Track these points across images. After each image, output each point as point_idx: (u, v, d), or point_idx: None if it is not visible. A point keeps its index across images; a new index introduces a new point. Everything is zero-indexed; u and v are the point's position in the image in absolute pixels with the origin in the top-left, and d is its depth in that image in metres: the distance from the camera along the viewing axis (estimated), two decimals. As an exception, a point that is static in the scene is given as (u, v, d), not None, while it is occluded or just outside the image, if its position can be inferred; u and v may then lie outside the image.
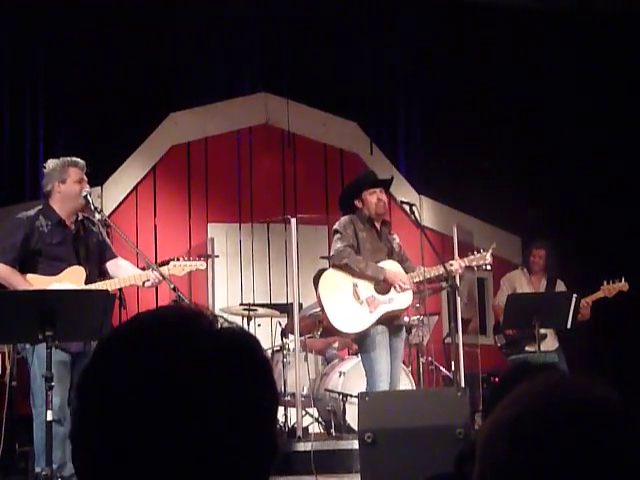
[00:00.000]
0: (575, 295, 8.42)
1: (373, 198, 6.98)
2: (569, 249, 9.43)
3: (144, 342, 1.14)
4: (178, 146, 10.53)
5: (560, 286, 8.94)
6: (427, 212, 10.56)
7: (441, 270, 6.91)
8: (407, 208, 7.04)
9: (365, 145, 11.12)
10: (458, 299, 8.57)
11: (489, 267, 7.28)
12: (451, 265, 7.01)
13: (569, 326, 8.27)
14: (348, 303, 6.90)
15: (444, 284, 7.69)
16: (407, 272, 6.96)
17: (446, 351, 7.35)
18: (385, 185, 7.24)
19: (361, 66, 11.02)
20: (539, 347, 8.11)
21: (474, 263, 7.13)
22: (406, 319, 7.55)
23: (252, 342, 1.18)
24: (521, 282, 9.07)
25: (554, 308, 8.24)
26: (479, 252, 7.24)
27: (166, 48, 10.08)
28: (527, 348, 8.57)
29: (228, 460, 1.10)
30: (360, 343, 6.94)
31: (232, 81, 10.82)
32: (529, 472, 1.11)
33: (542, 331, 8.44)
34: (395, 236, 7.23)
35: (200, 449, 1.08)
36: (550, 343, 8.79)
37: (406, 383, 7.89)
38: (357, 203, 7.06)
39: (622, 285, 8.54)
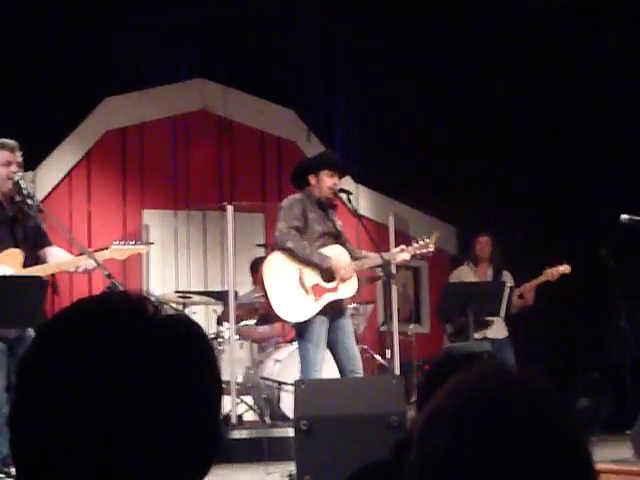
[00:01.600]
0: (508, 284, 8.55)
1: (329, 181, 6.83)
2: (507, 238, 9.51)
3: (88, 328, 1.12)
4: (113, 131, 10.41)
5: (506, 277, 9.00)
6: (363, 201, 10.60)
7: (379, 260, 6.88)
8: (344, 196, 6.96)
9: (302, 133, 11.11)
10: (394, 288, 8.63)
11: (431, 254, 7.27)
12: (402, 251, 6.99)
13: (502, 315, 8.40)
14: (293, 291, 6.78)
15: (380, 273, 7.71)
16: (352, 256, 6.92)
17: (381, 339, 7.37)
18: (345, 173, 7.17)
19: (299, 53, 11.00)
20: (472, 335, 8.21)
21: (418, 252, 7.10)
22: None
23: (196, 329, 1.18)
24: (468, 275, 9.14)
25: (488, 297, 8.37)
26: (417, 241, 7.21)
27: (102, 31, 9.96)
28: (476, 335, 8.59)
29: (173, 446, 1.10)
30: (298, 330, 6.86)
31: (169, 66, 10.71)
32: (473, 459, 1.13)
33: (489, 319, 8.57)
34: (338, 220, 7.15)
35: (145, 435, 1.08)
36: (498, 331, 8.87)
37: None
38: (311, 179, 6.88)
39: (564, 268, 8.66)
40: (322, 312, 6.74)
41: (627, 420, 6.91)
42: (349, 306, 7.71)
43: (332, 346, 6.80)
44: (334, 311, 6.80)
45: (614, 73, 11.54)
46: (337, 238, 6.93)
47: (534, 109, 11.26)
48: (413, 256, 7.18)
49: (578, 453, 1.18)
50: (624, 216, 7.62)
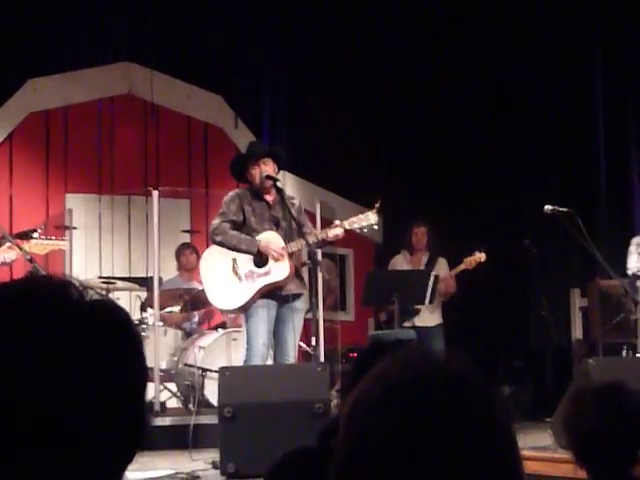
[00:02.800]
0: (434, 273, 8.62)
1: (256, 172, 6.86)
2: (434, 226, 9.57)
3: (9, 313, 1.09)
4: (36, 113, 10.23)
5: (441, 263, 9.07)
6: (290, 188, 10.56)
7: (312, 238, 6.82)
8: (270, 183, 6.94)
9: (230, 119, 11.05)
10: (320, 275, 8.62)
11: (376, 227, 7.03)
12: (335, 227, 6.86)
13: (427, 303, 8.46)
14: (227, 280, 6.81)
15: (306, 260, 7.68)
16: (301, 238, 6.83)
17: (306, 327, 7.36)
18: (268, 155, 7.06)
19: (228, 38, 10.91)
20: (398, 323, 8.27)
21: (356, 225, 6.93)
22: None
23: (122, 314, 1.16)
24: (401, 265, 9.19)
25: (412, 285, 8.42)
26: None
27: (27, 11, 9.77)
28: (405, 324, 8.68)
29: (97, 432, 1.08)
30: (245, 316, 6.88)
31: (95, 49, 10.55)
32: (400, 444, 1.14)
33: (417, 307, 8.62)
34: (295, 201, 7.09)
35: (70, 420, 1.06)
36: (428, 319, 8.92)
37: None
38: (247, 172, 6.95)
39: (480, 256, 8.74)
40: (267, 297, 6.75)
41: (547, 408, 7.03)
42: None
43: (273, 335, 6.84)
44: (280, 299, 6.82)
45: (536, 66, 11.69)
46: (277, 225, 6.91)
47: (460, 101, 11.33)
48: (337, 240, 7.00)
49: (502, 438, 1.18)
50: (547, 207, 7.73)
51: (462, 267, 8.79)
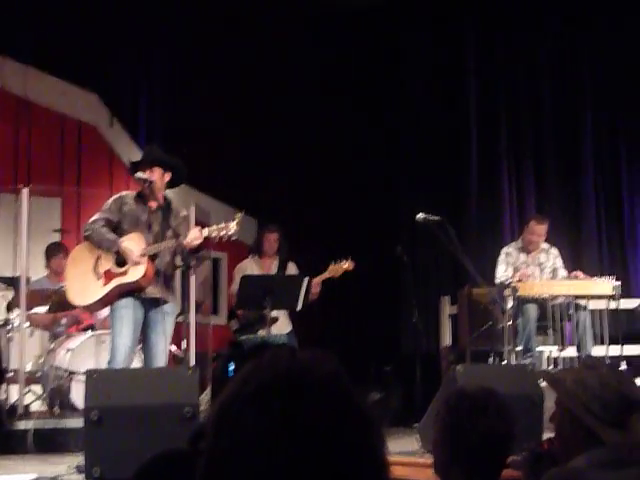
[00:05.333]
0: (307, 278, 8.60)
1: (143, 175, 6.90)
2: (301, 230, 9.58)
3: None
4: None
5: (291, 269, 9.05)
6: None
7: (172, 242, 6.77)
8: (158, 189, 6.92)
9: (104, 118, 10.83)
10: (192, 278, 8.51)
11: (235, 237, 6.98)
12: (199, 231, 6.81)
13: (299, 308, 8.44)
14: (85, 276, 6.78)
15: (179, 262, 7.58)
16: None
17: (178, 330, 7.25)
18: (154, 163, 6.99)
19: (105, 36, 10.69)
20: (269, 328, 8.22)
21: (215, 234, 6.90)
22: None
23: None
24: (252, 269, 9.11)
25: (285, 290, 8.37)
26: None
27: None
28: (260, 332, 8.63)
29: None
30: (110, 316, 6.85)
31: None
32: (279, 438, 1.18)
33: (274, 314, 8.56)
34: (183, 213, 7.14)
35: None
36: (282, 326, 8.89)
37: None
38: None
39: (347, 264, 8.73)
40: (132, 298, 6.72)
41: (416, 413, 7.10)
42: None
43: (143, 339, 6.83)
44: (148, 302, 6.77)
45: (411, 74, 11.84)
46: (149, 229, 6.85)
47: (332, 102, 11.40)
48: (211, 238, 6.96)
49: (371, 435, 1.23)
50: (419, 215, 7.79)
51: (327, 275, 8.75)
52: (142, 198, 6.95)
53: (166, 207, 6.95)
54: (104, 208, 6.92)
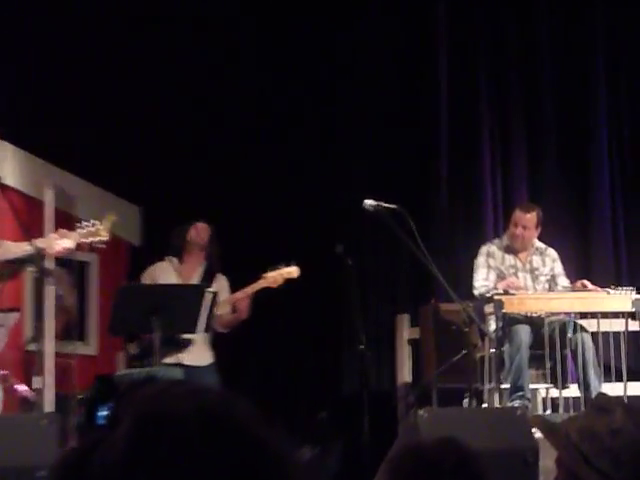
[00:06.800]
0: (211, 290, 8.55)
1: None
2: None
3: None
4: None
5: (220, 282, 9.06)
6: (11, 164, 10.28)
7: (28, 249, 6.75)
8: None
9: None
10: (50, 290, 8.42)
11: (103, 246, 7.22)
12: (62, 237, 6.80)
13: (199, 330, 8.38)
14: None
15: (31, 268, 7.52)
16: None
17: (28, 362, 7.18)
18: None
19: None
20: (157, 358, 8.17)
21: (83, 239, 6.92)
22: None
23: None
24: (168, 276, 9.12)
25: (181, 306, 8.32)
26: (84, 226, 7.09)
27: None
28: (167, 359, 8.65)
29: None
30: None
31: None
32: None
33: (188, 337, 8.64)
34: None
35: None
36: (200, 356, 8.93)
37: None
38: None
39: (291, 271, 8.79)
40: None
41: (363, 474, 7.09)
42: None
43: None
44: None
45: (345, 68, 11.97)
46: None
47: (260, 100, 11.66)
48: (78, 245, 7.01)
49: None
50: (368, 202, 7.89)
51: (263, 284, 8.74)
52: None
53: None
54: None
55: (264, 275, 8.79)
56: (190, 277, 9.16)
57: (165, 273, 9.17)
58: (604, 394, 8.41)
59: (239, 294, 8.86)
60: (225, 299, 8.90)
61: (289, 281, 8.84)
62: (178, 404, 1.40)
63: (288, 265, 8.79)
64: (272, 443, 1.42)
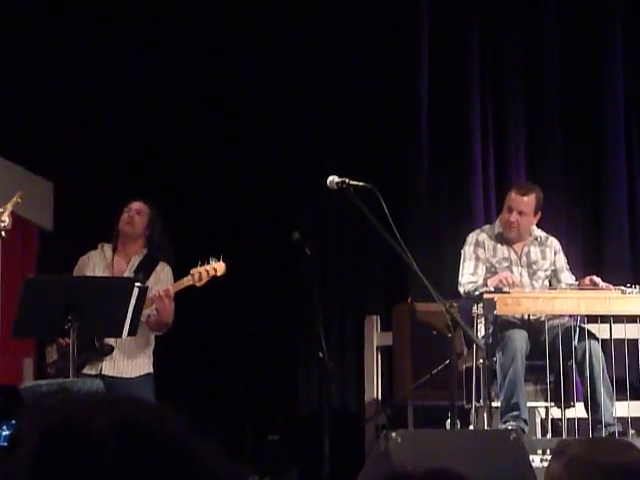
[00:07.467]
0: (140, 285, 8.35)
1: None
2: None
3: None
4: None
5: (160, 271, 8.94)
6: None
7: None
8: None
9: None
10: None
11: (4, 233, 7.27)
12: None
13: (125, 334, 8.18)
14: None
15: None
16: None
17: None
18: None
19: None
20: (73, 366, 8.01)
21: None
22: None
23: None
24: (97, 267, 9.03)
25: (103, 303, 8.18)
26: None
27: None
28: (87, 370, 8.56)
29: None
30: None
31: None
32: None
33: (109, 343, 8.54)
34: None
35: None
36: (128, 363, 8.77)
37: None
38: None
39: (217, 267, 8.63)
40: None
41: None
42: None
43: None
44: None
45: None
46: None
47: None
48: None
49: None
50: (333, 178, 7.80)
51: (186, 282, 8.69)
52: None
53: None
54: None
55: (191, 271, 8.69)
56: (122, 269, 9.02)
57: (96, 264, 9.06)
58: (565, 440, 8.39)
59: (155, 292, 8.64)
60: (149, 296, 8.66)
61: (215, 279, 8.71)
62: (89, 417, 1.49)
63: (217, 260, 8.65)
64: (205, 462, 1.52)
